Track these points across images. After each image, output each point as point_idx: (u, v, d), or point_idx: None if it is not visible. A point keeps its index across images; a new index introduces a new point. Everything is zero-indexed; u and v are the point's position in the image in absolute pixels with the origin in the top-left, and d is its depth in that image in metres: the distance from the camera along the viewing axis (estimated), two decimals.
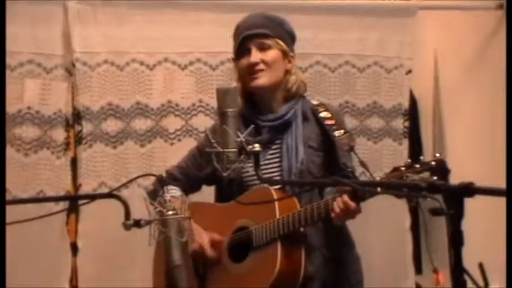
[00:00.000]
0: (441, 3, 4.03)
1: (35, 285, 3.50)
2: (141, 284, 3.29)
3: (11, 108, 3.40)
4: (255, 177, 2.67)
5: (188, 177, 3.05)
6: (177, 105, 3.61)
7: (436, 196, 1.56)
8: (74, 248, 3.47)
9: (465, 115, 4.11)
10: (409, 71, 3.89)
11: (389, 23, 3.95)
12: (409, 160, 2.38)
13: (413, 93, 4.00)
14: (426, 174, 2.29)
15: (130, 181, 3.01)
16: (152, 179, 3.08)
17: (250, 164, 2.25)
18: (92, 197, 2.88)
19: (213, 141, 2.23)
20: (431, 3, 4.02)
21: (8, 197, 3.27)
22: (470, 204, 1.46)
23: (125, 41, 3.50)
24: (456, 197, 1.45)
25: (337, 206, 2.54)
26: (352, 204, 2.52)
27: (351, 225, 2.81)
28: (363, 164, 2.62)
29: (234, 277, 2.96)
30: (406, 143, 3.94)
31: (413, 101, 4.00)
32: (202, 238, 2.92)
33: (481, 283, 1.42)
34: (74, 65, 3.39)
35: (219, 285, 2.99)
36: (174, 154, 3.36)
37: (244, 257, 2.85)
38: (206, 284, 3.04)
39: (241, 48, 2.87)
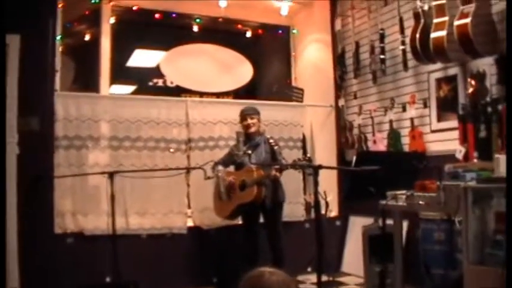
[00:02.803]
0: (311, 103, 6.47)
1: (173, 202, 5.63)
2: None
3: None
4: (248, 162, 4.92)
5: (224, 162, 5.22)
6: (224, 136, 5.89)
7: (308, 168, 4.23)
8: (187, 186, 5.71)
9: (320, 142, 6.67)
10: (302, 126, 6.30)
11: (296, 109, 6.36)
12: (301, 156, 5.07)
13: (303, 133, 6.36)
14: (305, 161, 4.25)
15: (207, 163, 5.06)
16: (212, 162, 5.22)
17: (247, 157, 4.99)
18: (193, 168, 5.37)
19: (234, 149, 5.10)
20: (308, 103, 6.47)
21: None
22: (324, 172, 3.40)
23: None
24: (315, 168, 3.19)
25: (272, 175, 4.72)
26: (278, 174, 4.75)
27: (288, 179, 5.24)
28: (284, 159, 4.99)
29: (239, 195, 4.94)
30: (301, 151, 6.20)
31: (303, 135, 6.35)
32: (230, 181, 5.01)
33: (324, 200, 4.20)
34: None
35: (235, 198, 4.99)
36: (222, 153, 5.49)
37: (244, 189, 4.91)
38: (231, 198, 5.03)
39: (244, 118, 5.07)
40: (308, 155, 5.64)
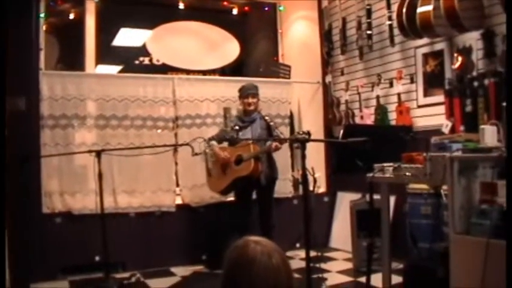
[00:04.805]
0: (298, 80, 6.51)
1: (162, 180, 5.63)
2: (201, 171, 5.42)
3: None
4: (242, 138, 5.03)
5: (219, 137, 5.22)
6: (212, 114, 5.94)
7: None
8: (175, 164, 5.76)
9: (308, 118, 6.65)
10: (289, 102, 6.36)
11: (283, 85, 6.36)
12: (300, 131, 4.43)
13: (291, 109, 6.49)
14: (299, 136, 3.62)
15: (194, 139, 4.54)
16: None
17: (241, 133, 5.05)
18: (180, 145, 5.36)
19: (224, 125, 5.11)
20: (295, 80, 6.49)
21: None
22: (311, 149, 4.00)
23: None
24: (303, 141, 3.20)
25: (274, 146, 4.76)
26: (280, 145, 4.84)
27: (276, 155, 5.19)
28: (282, 134, 5.26)
29: (235, 169, 5.00)
30: (288, 127, 6.32)
31: (291, 112, 6.47)
32: (225, 156, 5.03)
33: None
34: None
35: (230, 173, 5.03)
36: (209, 131, 5.69)
37: (239, 164, 4.98)
38: (225, 172, 5.07)
39: (246, 96, 5.12)
40: (307, 130, 5.59)
